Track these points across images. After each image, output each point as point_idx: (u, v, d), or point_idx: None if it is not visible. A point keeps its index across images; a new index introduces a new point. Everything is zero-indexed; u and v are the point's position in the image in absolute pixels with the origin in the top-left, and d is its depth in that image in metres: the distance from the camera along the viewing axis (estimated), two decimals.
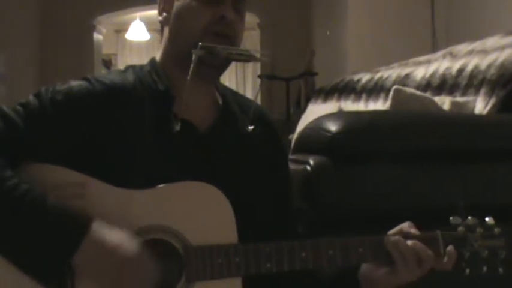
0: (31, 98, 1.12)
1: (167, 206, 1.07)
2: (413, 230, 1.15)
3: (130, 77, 1.20)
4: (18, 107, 1.10)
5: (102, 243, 0.99)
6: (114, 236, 1.00)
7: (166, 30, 1.24)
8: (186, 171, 1.12)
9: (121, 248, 0.99)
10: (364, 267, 1.17)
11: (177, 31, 1.20)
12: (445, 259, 1.13)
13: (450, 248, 1.14)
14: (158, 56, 1.26)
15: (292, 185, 1.35)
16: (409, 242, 1.12)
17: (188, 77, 1.13)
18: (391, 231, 1.17)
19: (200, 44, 1.13)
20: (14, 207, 0.99)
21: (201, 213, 1.08)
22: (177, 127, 1.15)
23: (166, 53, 1.24)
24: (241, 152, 1.23)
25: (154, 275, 1.02)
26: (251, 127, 1.25)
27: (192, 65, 1.13)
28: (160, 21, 1.26)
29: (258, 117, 1.29)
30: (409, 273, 1.12)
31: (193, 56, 1.13)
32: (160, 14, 1.25)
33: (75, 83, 1.14)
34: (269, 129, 1.32)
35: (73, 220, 1.00)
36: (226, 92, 1.29)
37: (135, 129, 1.13)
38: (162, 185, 1.08)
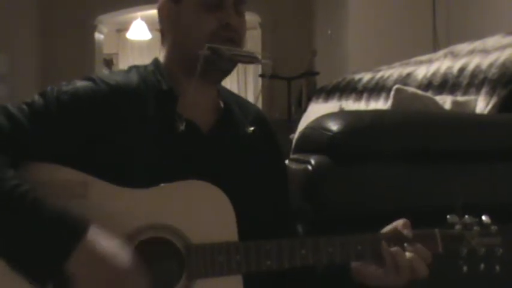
0: (36, 97, 1.12)
1: (168, 204, 1.08)
2: (407, 231, 1.15)
3: (134, 77, 1.21)
4: (24, 106, 1.10)
5: (96, 252, 0.98)
6: (109, 245, 0.99)
7: (170, 37, 1.25)
8: (189, 171, 1.13)
9: (114, 259, 0.99)
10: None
11: (182, 40, 1.22)
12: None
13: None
14: (161, 56, 1.27)
15: (290, 186, 1.36)
16: (408, 255, 1.13)
17: (195, 78, 1.15)
18: (386, 229, 1.17)
19: (207, 45, 1.15)
20: (11, 207, 0.98)
21: (202, 212, 1.09)
22: (182, 127, 1.16)
23: (170, 57, 1.25)
24: (241, 152, 1.24)
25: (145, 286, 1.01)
26: (251, 128, 1.26)
27: (198, 65, 1.14)
28: (161, 28, 1.26)
29: (258, 120, 1.31)
30: (400, 280, 1.13)
31: (200, 57, 1.14)
32: (161, 22, 1.26)
33: (80, 84, 1.15)
34: (268, 131, 1.34)
35: (70, 224, 0.99)
36: (227, 94, 1.31)
37: (139, 128, 1.14)
38: (163, 184, 1.08)
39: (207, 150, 1.20)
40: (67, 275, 0.98)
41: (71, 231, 0.98)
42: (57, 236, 0.98)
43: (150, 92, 1.19)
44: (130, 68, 1.25)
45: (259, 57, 1.22)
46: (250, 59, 1.21)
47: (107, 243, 1.00)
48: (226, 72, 1.24)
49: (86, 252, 0.98)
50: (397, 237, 1.15)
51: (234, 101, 1.31)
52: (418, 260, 1.12)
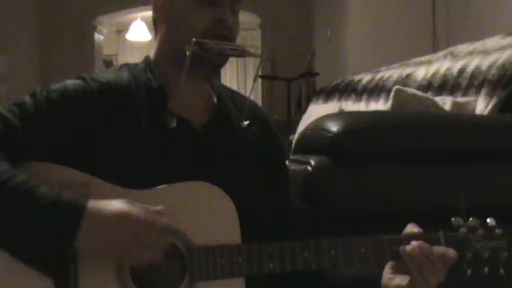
0: (26, 98, 1.12)
1: (170, 206, 1.07)
2: (410, 228, 1.15)
3: (125, 75, 1.20)
4: (14, 107, 1.10)
5: (103, 217, 0.98)
6: (114, 206, 1.00)
7: (162, 28, 1.23)
8: (182, 168, 1.13)
9: (127, 214, 0.99)
10: (384, 276, 1.16)
11: (176, 32, 1.20)
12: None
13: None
14: (152, 53, 1.26)
15: (290, 183, 1.35)
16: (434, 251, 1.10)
17: (183, 74, 1.14)
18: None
19: (194, 40, 1.13)
20: (8, 198, 0.99)
21: (204, 213, 1.08)
22: (173, 124, 1.15)
23: (161, 51, 1.24)
24: (236, 148, 1.23)
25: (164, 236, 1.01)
26: (246, 122, 1.25)
27: (186, 62, 1.13)
28: (154, 18, 1.25)
29: (253, 114, 1.30)
30: (425, 282, 1.10)
31: (187, 53, 1.13)
32: (155, 11, 1.24)
33: (70, 82, 1.15)
34: (264, 125, 1.32)
35: (69, 204, 0.99)
36: (221, 89, 1.30)
37: (131, 126, 1.14)
38: (165, 185, 1.08)
39: (201, 147, 1.19)
40: (74, 256, 0.98)
41: (71, 209, 0.98)
42: (59, 218, 0.98)
43: (141, 90, 1.18)
44: (122, 66, 1.24)
45: (249, 49, 1.20)
46: (240, 52, 1.19)
47: (111, 206, 1.00)
48: (217, 67, 1.23)
49: (92, 224, 0.98)
50: (401, 238, 1.13)
51: (229, 96, 1.30)
52: (440, 261, 1.10)
